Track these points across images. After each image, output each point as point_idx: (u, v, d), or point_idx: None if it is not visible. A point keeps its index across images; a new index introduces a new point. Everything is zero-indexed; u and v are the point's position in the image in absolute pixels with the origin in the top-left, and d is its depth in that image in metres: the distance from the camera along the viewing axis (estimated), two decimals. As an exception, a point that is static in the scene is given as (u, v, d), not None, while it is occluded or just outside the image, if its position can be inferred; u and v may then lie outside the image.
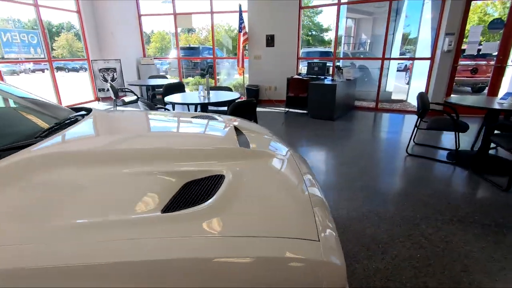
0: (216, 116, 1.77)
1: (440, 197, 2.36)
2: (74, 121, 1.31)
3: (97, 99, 7.33)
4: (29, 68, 22.50)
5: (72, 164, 0.92)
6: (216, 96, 3.58)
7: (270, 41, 6.40)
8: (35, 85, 11.81)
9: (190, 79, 10.82)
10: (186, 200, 0.80)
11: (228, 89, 4.16)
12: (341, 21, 6.83)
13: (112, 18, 7.01)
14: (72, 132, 1.18)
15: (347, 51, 9.04)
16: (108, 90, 6.78)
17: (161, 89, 4.75)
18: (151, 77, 6.30)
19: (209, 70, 10.69)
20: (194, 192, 0.85)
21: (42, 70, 23.26)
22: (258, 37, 6.45)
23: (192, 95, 3.71)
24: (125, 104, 5.00)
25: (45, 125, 1.23)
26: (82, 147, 1.07)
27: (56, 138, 1.09)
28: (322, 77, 5.83)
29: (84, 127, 1.28)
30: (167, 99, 3.26)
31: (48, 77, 6.21)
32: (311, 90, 5.16)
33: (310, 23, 16.42)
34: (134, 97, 5.03)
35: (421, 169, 2.96)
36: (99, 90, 7.26)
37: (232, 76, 10.62)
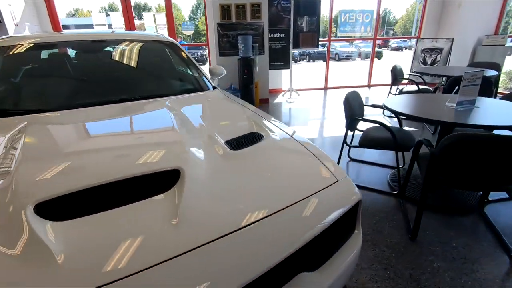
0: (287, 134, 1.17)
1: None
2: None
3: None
4: (405, 46, 25.11)
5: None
6: (484, 112, 1.93)
7: None
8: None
9: None
10: None
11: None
12: None
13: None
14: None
15: None
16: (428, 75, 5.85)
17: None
18: (472, 64, 4.50)
19: None
20: None
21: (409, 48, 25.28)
22: None
23: (441, 101, 2.24)
24: (400, 93, 4.18)
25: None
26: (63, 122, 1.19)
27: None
28: None
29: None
30: (387, 102, 2.24)
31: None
32: None
33: None
34: (414, 88, 4.01)
35: None
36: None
37: None
